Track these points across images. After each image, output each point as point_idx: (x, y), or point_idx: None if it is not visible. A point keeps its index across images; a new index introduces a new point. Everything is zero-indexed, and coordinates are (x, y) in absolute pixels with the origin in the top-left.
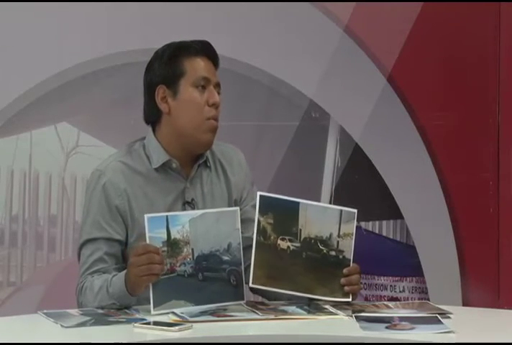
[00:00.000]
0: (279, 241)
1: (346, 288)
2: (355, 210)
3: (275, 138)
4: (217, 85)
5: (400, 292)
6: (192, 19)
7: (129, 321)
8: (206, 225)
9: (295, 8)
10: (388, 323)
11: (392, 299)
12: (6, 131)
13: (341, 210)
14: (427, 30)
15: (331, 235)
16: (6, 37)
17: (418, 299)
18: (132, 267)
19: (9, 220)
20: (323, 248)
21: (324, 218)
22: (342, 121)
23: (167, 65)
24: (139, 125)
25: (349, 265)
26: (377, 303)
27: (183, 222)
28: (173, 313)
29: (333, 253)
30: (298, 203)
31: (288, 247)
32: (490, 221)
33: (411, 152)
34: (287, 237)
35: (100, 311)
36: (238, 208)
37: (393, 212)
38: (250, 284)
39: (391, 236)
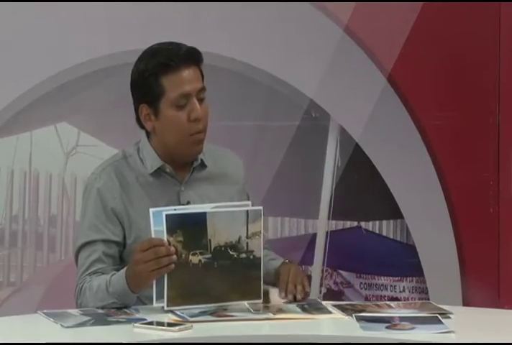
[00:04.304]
0: (190, 257)
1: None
2: (261, 208)
3: (275, 138)
4: (201, 91)
5: (400, 292)
6: (192, 19)
7: (129, 321)
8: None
9: (295, 8)
10: (388, 323)
11: (392, 299)
12: (6, 131)
13: (247, 211)
14: (427, 30)
15: (239, 238)
16: (5, 37)
17: (418, 299)
18: (139, 263)
19: (9, 220)
20: (233, 253)
21: (232, 222)
22: (342, 121)
23: (146, 86)
24: None
25: (260, 265)
26: (378, 303)
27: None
28: (173, 312)
29: (243, 255)
30: (205, 213)
31: (200, 261)
32: (490, 221)
33: (411, 152)
34: (198, 251)
35: (100, 311)
36: (250, 202)
37: (393, 212)
38: (165, 308)
39: (391, 236)
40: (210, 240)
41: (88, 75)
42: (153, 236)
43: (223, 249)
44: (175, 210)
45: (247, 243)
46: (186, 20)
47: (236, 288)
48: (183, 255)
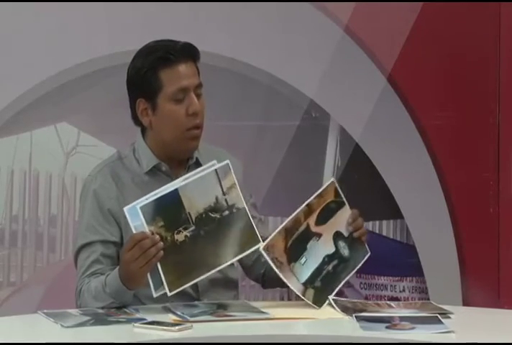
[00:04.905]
0: (175, 236)
1: (355, 234)
2: (227, 161)
3: (275, 138)
4: (198, 87)
5: (400, 292)
6: (192, 19)
7: (129, 321)
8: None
9: (295, 8)
10: (388, 322)
11: (392, 299)
12: (6, 131)
13: (215, 170)
14: (427, 30)
15: (217, 198)
16: (5, 37)
17: (418, 299)
18: (129, 263)
19: (9, 220)
20: (215, 215)
21: (204, 187)
22: (342, 121)
23: (144, 80)
24: None
25: (247, 213)
26: (379, 303)
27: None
28: (173, 312)
29: (226, 213)
30: (176, 189)
31: (186, 236)
32: (490, 221)
33: (411, 152)
34: (181, 228)
35: (100, 311)
36: (215, 161)
37: (393, 212)
38: (169, 294)
39: (391, 236)
40: (189, 213)
41: (88, 75)
42: (134, 231)
43: (204, 215)
44: (147, 199)
45: (226, 199)
46: (186, 20)
47: (232, 244)
48: (168, 237)
